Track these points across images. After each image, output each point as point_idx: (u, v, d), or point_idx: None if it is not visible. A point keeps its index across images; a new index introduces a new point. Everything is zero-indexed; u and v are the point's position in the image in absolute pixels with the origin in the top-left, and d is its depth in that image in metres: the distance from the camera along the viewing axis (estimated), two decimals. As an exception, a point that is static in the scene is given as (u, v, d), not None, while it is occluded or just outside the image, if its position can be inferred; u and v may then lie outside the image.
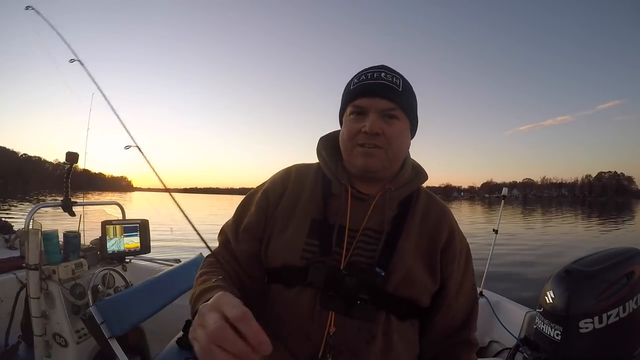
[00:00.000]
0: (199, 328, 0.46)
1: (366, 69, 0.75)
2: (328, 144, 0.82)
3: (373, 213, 0.74)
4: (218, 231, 0.85)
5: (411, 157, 0.85)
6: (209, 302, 0.49)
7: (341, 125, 0.80)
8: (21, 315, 1.80)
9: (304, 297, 0.68)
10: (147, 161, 0.74)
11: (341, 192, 0.76)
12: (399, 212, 0.76)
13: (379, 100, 0.70)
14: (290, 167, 0.86)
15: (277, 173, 0.85)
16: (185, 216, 0.67)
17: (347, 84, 0.77)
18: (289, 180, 0.81)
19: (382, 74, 0.72)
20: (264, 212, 0.78)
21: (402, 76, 0.75)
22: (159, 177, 0.71)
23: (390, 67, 0.76)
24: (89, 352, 1.70)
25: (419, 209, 0.78)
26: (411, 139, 0.80)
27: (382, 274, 0.68)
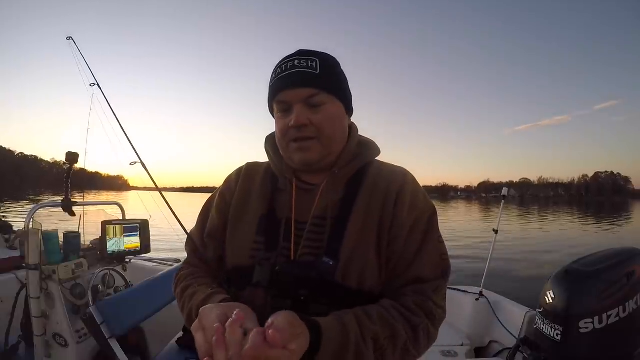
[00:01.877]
0: None
1: (281, 61, 0.71)
2: (274, 142, 0.79)
3: (320, 201, 0.71)
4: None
5: (361, 134, 0.80)
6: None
7: None
8: (21, 315, 1.80)
9: (256, 298, 0.65)
10: (151, 177, 0.75)
11: (287, 186, 0.74)
12: (347, 193, 0.71)
13: (298, 90, 0.67)
14: (242, 165, 0.85)
15: (231, 173, 0.84)
16: (175, 216, 0.67)
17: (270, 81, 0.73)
18: (239, 179, 0.80)
19: (296, 61, 0.68)
20: (223, 214, 0.77)
21: (320, 56, 0.70)
22: (162, 195, 0.72)
23: (309, 49, 0.72)
24: (89, 352, 1.70)
25: (369, 182, 0.73)
26: (350, 115, 0.77)
27: (331, 263, 0.64)
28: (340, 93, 0.71)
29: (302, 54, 0.70)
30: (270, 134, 0.82)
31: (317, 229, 0.69)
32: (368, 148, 0.77)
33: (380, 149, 0.80)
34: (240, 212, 0.76)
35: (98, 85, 1.12)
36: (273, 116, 0.75)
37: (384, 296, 0.66)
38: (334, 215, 0.69)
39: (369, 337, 0.57)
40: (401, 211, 0.68)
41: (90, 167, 1.90)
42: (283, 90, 0.68)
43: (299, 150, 0.68)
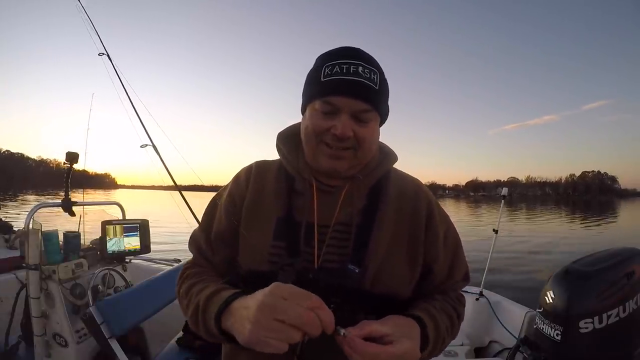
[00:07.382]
0: (271, 320, 0.48)
1: (340, 58, 0.65)
2: (288, 139, 0.76)
3: (343, 205, 0.70)
4: None
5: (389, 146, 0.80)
6: (259, 296, 0.51)
7: (303, 113, 0.72)
8: (21, 315, 1.81)
9: None
10: (162, 160, 0.72)
11: (306, 187, 0.71)
12: (370, 200, 0.71)
13: (355, 101, 0.63)
14: (251, 164, 0.81)
15: (240, 172, 0.80)
16: (193, 213, 0.65)
17: (315, 70, 0.67)
18: (250, 179, 0.76)
19: (360, 69, 0.63)
20: (233, 216, 0.74)
21: (378, 67, 0.67)
22: (171, 175, 0.69)
23: (364, 51, 0.68)
24: (89, 352, 1.71)
25: (392, 191, 0.73)
26: (380, 126, 0.74)
27: (356, 271, 0.64)
28: (384, 109, 0.70)
29: (365, 60, 0.65)
30: (283, 131, 0.78)
31: (341, 235, 0.68)
32: (388, 155, 0.78)
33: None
34: (254, 214, 0.72)
35: (107, 54, 1.05)
36: (304, 104, 0.70)
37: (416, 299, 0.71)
38: (358, 222, 0.68)
39: (444, 328, 0.65)
40: (434, 226, 0.72)
41: (78, 166, 1.88)
42: (339, 94, 0.63)
43: (331, 157, 0.66)
